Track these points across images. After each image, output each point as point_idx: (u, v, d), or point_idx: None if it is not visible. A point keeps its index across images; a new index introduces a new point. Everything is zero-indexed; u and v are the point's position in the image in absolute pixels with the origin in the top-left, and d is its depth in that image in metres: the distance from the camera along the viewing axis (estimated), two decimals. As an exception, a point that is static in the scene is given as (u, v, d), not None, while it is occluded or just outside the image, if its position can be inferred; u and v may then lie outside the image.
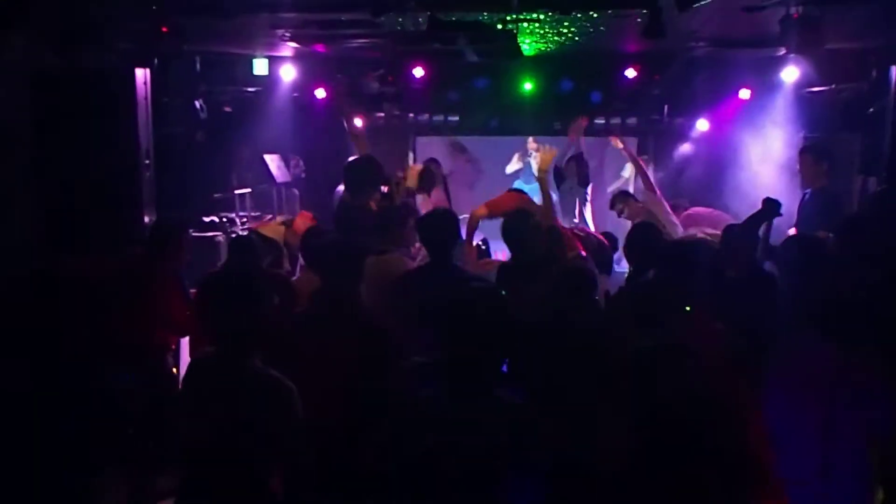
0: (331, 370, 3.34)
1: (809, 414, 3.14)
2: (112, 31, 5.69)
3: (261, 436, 2.90)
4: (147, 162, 6.64)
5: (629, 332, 2.92)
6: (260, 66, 8.48)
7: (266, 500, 2.95)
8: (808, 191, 6.39)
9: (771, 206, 4.88)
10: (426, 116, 9.85)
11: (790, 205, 6.80)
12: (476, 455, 2.44)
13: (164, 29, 5.80)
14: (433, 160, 7.99)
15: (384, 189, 6.43)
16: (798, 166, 6.49)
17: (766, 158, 8.16)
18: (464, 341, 2.51)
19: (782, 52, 6.93)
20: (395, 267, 4.55)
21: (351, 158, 6.87)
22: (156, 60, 6.75)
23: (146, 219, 6.50)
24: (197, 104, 7.93)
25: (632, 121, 9.77)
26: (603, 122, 9.58)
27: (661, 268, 3.75)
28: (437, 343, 2.57)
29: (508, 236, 4.54)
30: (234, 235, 7.84)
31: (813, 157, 6.35)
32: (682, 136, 9.38)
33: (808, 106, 8.14)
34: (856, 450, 3.11)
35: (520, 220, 4.51)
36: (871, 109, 7.22)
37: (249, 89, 8.93)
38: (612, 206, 7.42)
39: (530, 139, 10.18)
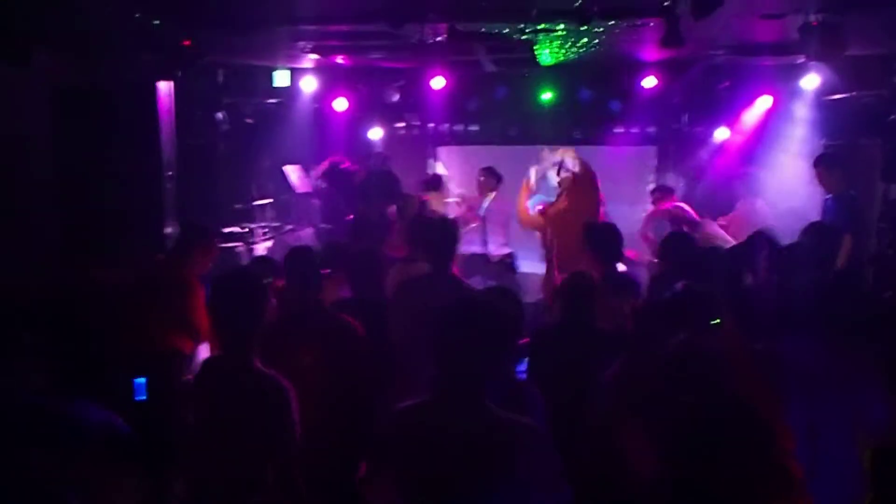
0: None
1: (798, 415, 3.14)
2: (134, 46, 5.77)
3: (258, 433, 3.02)
4: (170, 173, 6.73)
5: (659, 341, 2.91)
6: (281, 78, 8.55)
7: (264, 497, 3.03)
8: (829, 197, 6.42)
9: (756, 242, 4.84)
10: (446, 126, 9.90)
11: (810, 211, 6.81)
12: (468, 468, 2.42)
13: (187, 43, 5.87)
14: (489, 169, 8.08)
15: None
16: (817, 178, 6.55)
17: (786, 166, 8.13)
18: (460, 351, 2.51)
19: (802, 59, 6.92)
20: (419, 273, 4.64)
21: (372, 169, 7.01)
22: (178, 73, 6.85)
23: (168, 229, 6.59)
24: (219, 116, 8.02)
25: (651, 129, 9.75)
26: (622, 130, 9.58)
27: (690, 276, 3.73)
28: (433, 351, 2.57)
29: None
30: (253, 247, 7.94)
31: (825, 168, 6.43)
32: (703, 144, 9.34)
33: (829, 113, 8.09)
34: (845, 450, 3.12)
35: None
36: (893, 116, 7.17)
37: (270, 101, 9.01)
38: None
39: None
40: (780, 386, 3.12)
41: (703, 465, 2.23)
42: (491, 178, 8.09)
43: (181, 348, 5.06)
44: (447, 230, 4.53)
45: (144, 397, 4.46)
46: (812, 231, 4.96)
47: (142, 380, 4.63)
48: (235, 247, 7.80)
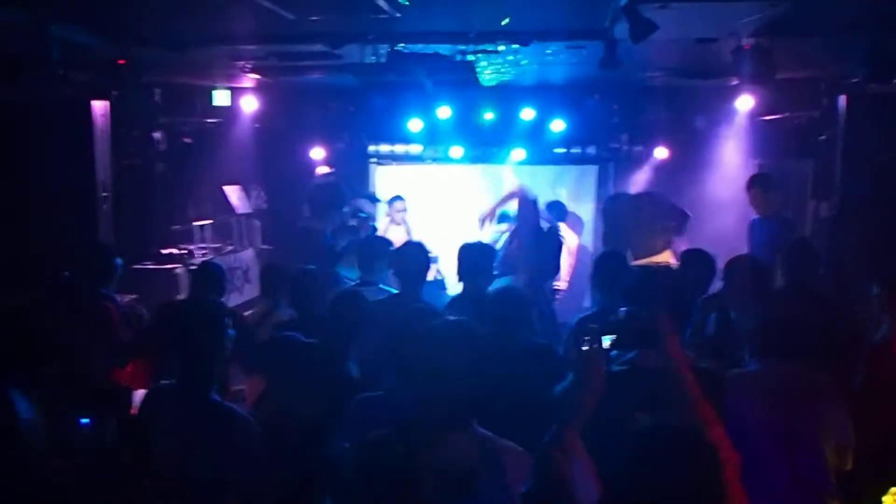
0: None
1: (773, 432, 3.19)
2: (69, 63, 5.63)
3: (218, 469, 2.87)
4: (105, 195, 6.57)
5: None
6: (220, 97, 8.44)
7: None
8: (757, 217, 6.53)
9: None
10: (387, 146, 9.87)
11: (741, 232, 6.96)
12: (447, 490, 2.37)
13: (121, 62, 5.75)
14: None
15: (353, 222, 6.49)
16: (749, 199, 6.62)
17: (721, 185, 8.32)
18: (435, 376, 2.46)
19: (736, 81, 7.10)
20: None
21: (317, 181, 6.92)
22: (114, 92, 6.70)
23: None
24: (156, 136, 7.87)
25: (591, 149, 9.88)
26: (563, 150, 9.69)
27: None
28: (407, 376, 2.52)
29: None
30: (192, 267, 7.78)
31: (761, 189, 6.51)
32: (642, 163, 9.51)
33: (762, 133, 8.32)
34: (817, 467, 3.18)
35: None
36: (823, 136, 7.40)
37: (210, 120, 8.88)
38: None
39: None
40: (753, 405, 3.16)
41: (647, 489, 2.21)
42: None
43: (121, 380, 4.89)
44: (420, 253, 4.50)
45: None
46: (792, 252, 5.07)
47: (86, 421, 4.46)
48: (174, 268, 7.64)
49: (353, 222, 6.49)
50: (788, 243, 5.41)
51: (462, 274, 4.83)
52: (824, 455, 3.19)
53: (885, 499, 3.23)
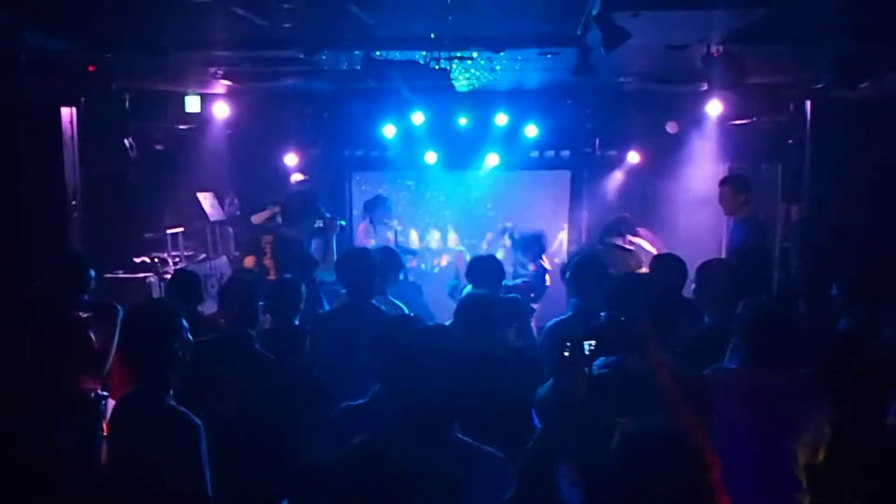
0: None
1: (751, 436, 3.24)
2: (37, 68, 5.55)
3: (168, 474, 2.91)
4: (74, 203, 6.50)
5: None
6: (192, 104, 8.36)
7: None
8: (733, 220, 6.60)
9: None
10: (362, 151, 9.86)
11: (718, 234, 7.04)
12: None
13: (91, 68, 5.68)
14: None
15: (319, 224, 6.47)
16: (719, 197, 6.67)
17: (693, 189, 8.42)
18: (415, 383, 2.46)
19: (706, 87, 7.19)
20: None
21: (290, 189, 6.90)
22: (83, 98, 6.63)
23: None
24: (126, 143, 7.78)
25: (565, 153, 9.94)
26: (537, 155, 9.74)
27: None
28: (388, 383, 2.50)
29: None
30: (166, 275, 7.71)
31: (732, 189, 6.54)
32: (614, 168, 9.59)
33: (732, 137, 8.43)
34: (792, 467, 3.23)
35: None
36: (791, 141, 7.52)
37: (182, 127, 8.80)
38: None
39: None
40: (729, 404, 3.20)
41: (633, 492, 2.23)
42: None
43: (92, 390, 4.82)
44: (365, 260, 4.51)
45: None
46: (748, 254, 5.13)
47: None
48: (146, 277, 7.57)
49: (319, 224, 6.46)
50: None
51: (473, 283, 5.05)
52: (795, 455, 3.25)
53: None
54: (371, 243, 7.66)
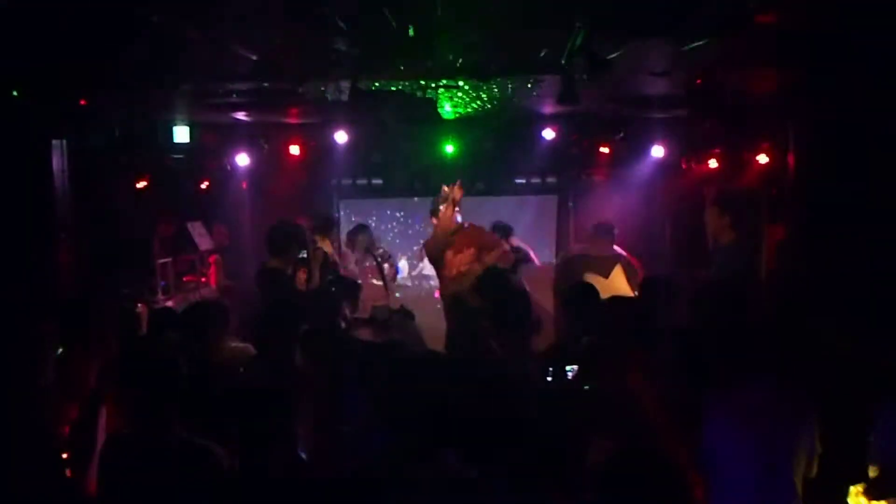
0: None
1: (748, 445, 3.26)
2: (28, 102, 5.58)
3: None
4: (64, 235, 6.50)
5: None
6: (181, 134, 8.39)
7: None
8: (719, 244, 6.58)
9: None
10: (350, 180, 9.91)
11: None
12: None
13: (83, 102, 5.72)
14: None
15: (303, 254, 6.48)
16: (706, 219, 6.68)
17: (679, 213, 8.51)
18: (404, 408, 2.47)
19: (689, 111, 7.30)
20: None
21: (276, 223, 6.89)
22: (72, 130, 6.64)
23: (62, 289, 6.34)
24: (115, 173, 7.80)
25: (551, 179, 10.02)
26: (524, 181, 9.81)
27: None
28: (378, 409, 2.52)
29: None
30: (156, 306, 7.69)
31: (718, 210, 6.52)
32: (602, 192, 9.66)
33: (717, 160, 8.53)
34: (790, 480, 3.26)
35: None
36: (774, 164, 7.60)
37: (171, 156, 8.81)
38: None
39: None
40: (726, 418, 3.23)
41: None
42: None
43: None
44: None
45: None
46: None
47: None
48: (135, 306, 7.53)
49: (303, 254, 6.46)
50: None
51: None
52: (792, 472, 3.28)
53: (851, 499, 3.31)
54: (355, 271, 7.67)
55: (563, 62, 5.10)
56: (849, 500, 3.31)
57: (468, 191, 9.52)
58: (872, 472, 3.31)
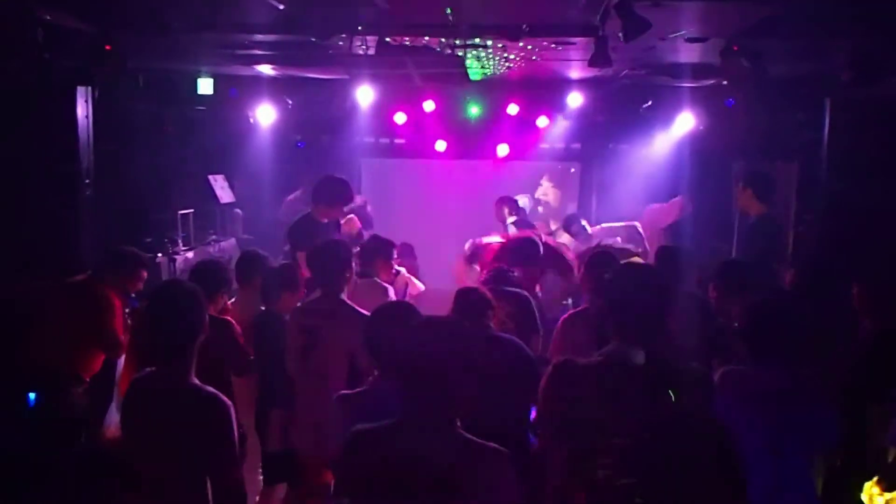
0: None
1: (759, 435, 3.21)
2: (54, 48, 5.53)
3: (198, 453, 2.91)
4: (87, 181, 6.49)
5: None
6: (205, 86, 8.33)
7: None
8: (748, 217, 6.50)
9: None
10: (372, 139, 9.83)
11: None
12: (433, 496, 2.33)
13: (108, 47, 5.66)
14: None
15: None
16: (735, 194, 6.61)
17: (705, 185, 8.37)
18: (419, 373, 2.42)
19: (724, 81, 7.13)
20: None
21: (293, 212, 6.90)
22: (97, 78, 6.60)
23: (85, 239, 6.37)
24: (138, 123, 7.78)
25: (575, 146, 9.89)
26: (547, 146, 9.69)
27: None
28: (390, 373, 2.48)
29: None
30: (175, 256, 7.71)
31: (744, 185, 6.43)
32: (626, 161, 9.52)
33: (747, 134, 8.36)
34: (804, 468, 3.20)
35: None
36: (807, 139, 7.43)
37: (194, 108, 8.77)
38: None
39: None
40: (741, 406, 3.17)
41: (675, 472, 2.18)
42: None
43: (82, 372, 4.88)
44: (336, 253, 4.39)
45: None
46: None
47: (32, 395, 4.54)
48: (155, 257, 7.56)
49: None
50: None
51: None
52: (809, 459, 3.22)
53: (864, 495, 3.26)
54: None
55: (597, 21, 4.98)
56: (863, 495, 3.25)
57: (490, 154, 9.48)
58: (892, 456, 3.25)
